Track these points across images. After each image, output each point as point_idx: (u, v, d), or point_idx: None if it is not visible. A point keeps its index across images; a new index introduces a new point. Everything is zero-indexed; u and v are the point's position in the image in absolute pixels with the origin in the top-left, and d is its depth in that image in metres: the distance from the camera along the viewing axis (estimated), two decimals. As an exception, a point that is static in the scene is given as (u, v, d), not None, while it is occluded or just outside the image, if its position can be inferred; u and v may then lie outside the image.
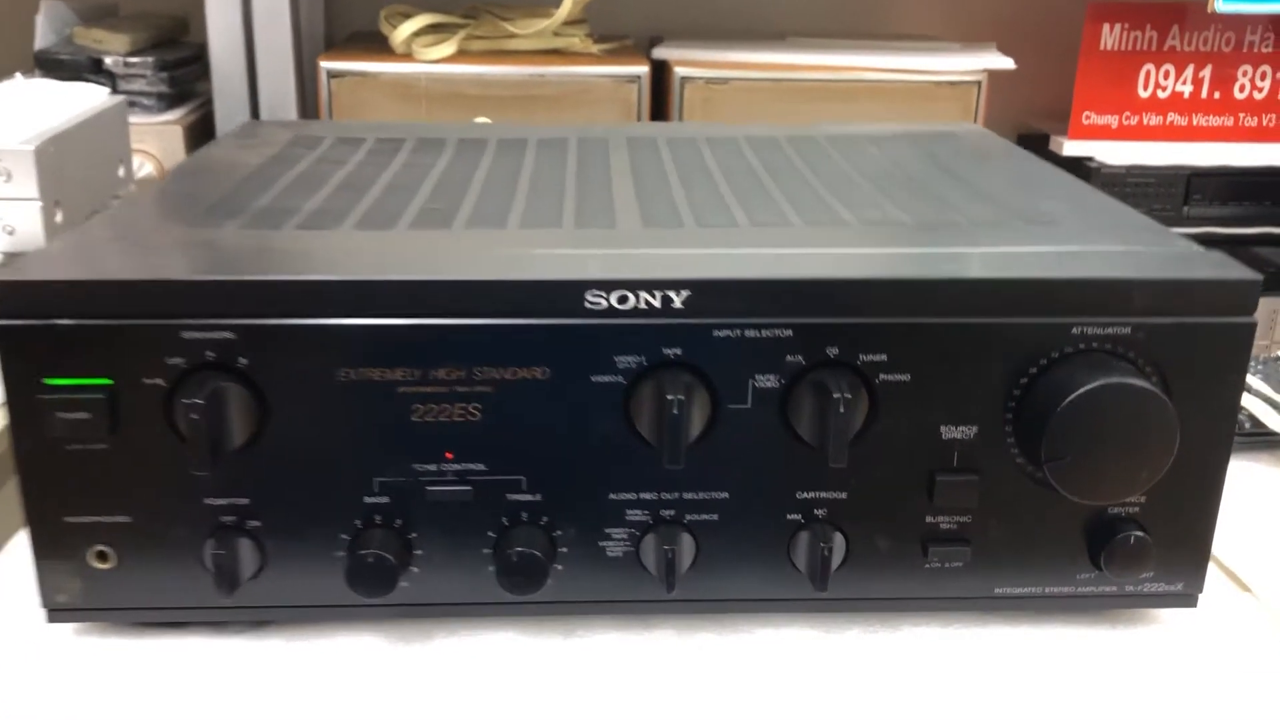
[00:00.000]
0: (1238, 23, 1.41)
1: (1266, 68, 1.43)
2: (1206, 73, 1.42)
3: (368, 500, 0.44)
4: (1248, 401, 0.65)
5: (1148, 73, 1.42)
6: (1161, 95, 1.43)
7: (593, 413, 0.43)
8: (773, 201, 0.53)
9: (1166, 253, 0.45)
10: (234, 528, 0.44)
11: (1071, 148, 1.41)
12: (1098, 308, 0.42)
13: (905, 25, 1.50)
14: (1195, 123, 1.44)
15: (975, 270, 0.43)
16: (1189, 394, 0.43)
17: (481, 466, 0.44)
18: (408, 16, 1.39)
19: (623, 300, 0.42)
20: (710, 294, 0.42)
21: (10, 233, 0.94)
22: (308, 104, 1.43)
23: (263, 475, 0.43)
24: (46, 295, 0.41)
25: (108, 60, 1.38)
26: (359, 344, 0.42)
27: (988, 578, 0.46)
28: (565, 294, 0.41)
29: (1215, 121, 1.44)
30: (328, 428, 0.43)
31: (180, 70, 1.42)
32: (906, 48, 1.39)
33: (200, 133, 1.40)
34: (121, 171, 1.13)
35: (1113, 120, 1.44)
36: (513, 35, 1.41)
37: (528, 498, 0.44)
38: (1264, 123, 1.44)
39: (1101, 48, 1.40)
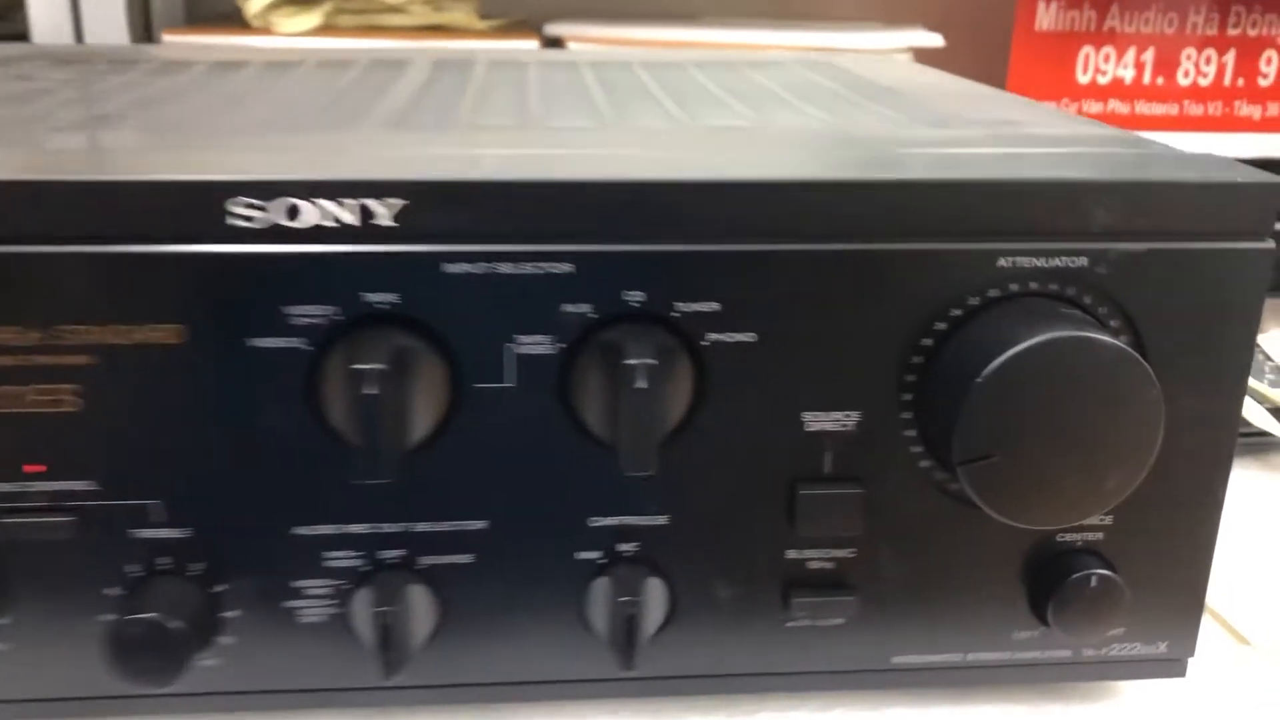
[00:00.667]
0: (1181, 3, 1.29)
1: (1211, 51, 1.32)
2: (1149, 56, 1.31)
3: (-94, 539, 0.28)
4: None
5: (1086, 55, 1.30)
6: (1101, 80, 1.31)
7: (260, 399, 0.27)
8: (591, 106, 0.38)
9: (1139, 153, 0.31)
10: None
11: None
12: (1036, 227, 0.28)
13: (834, 10, 1.38)
14: (1137, 110, 1.32)
15: (852, 171, 0.28)
16: (1175, 360, 0.29)
17: (88, 485, 0.28)
18: (263, -14, 1.23)
19: (293, 214, 0.26)
20: (438, 204, 0.26)
21: None
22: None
23: None
24: None
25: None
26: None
27: (882, 640, 0.31)
28: (198, 204, 0.26)
29: (1159, 109, 1.32)
30: None
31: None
32: (826, 26, 1.27)
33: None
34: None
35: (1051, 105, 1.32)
36: (387, 9, 1.26)
37: (167, 534, 0.28)
38: (1210, 111, 1.33)
39: (1037, 28, 1.28)
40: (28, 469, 0.27)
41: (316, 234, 0.26)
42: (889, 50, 1.23)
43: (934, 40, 1.21)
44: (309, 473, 0.28)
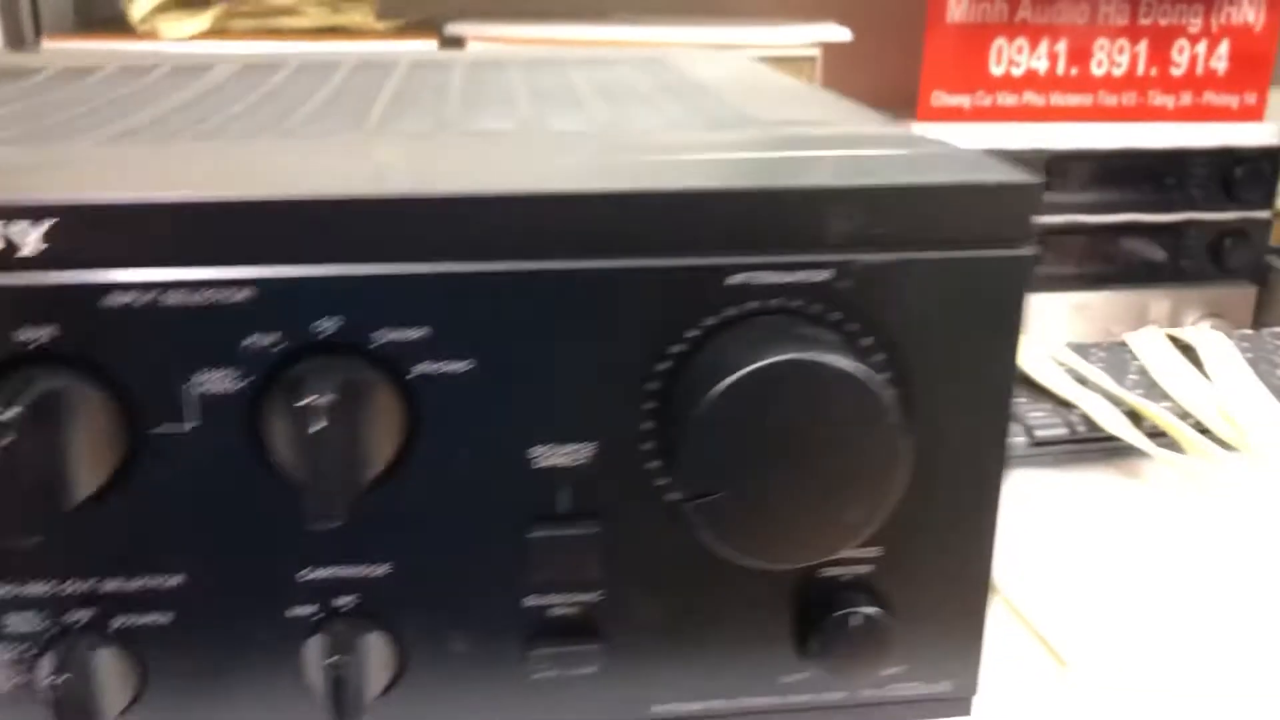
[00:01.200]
0: (1093, -7, 1.29)
1: (1124, 42, 1.31)
2: (1062, 47, 1.29)
3: None
4: (1083, 399, 0.49)
5: (999, 48, 1.29)
6: (1016, 72, 1.30)
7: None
8: (363, 112, 0.35)
9: (902, 154, 0.29)
10: None
11: (920, 132, 1.27)
12: (770, 240, 0.25)
13: (741, 7, 1.36)
14: (1052, 102, 1.31)
15: (589, 181, 0.25)
16: (934, 377, 0.26)
17: None
18: (147, -12, 1.19)
19: (-74, 244, 0.23)
20: (93, 228, 0.23)
21: None
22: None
23: None
24: None
25: None
26: None
27: (639, 689, 0.28)
28: None
29: (1074, 100, 1.31)
30: None
31: None
32: (734, 23, 1.25)
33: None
34: None
35: (964, 101, 1.30)
36: (283, 12, 1.23)
37: None
38: (1123, 101, 1.32)
39: (949, 19, 1.27)
40: None
41: (-42, 264, 0.23)
42: (796, 45, 1.21)
43: (842, 35, 1.19)
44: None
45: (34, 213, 0.23)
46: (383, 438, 0.25)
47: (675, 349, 0.26)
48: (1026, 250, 0.26)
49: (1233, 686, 0.33)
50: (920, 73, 1.28)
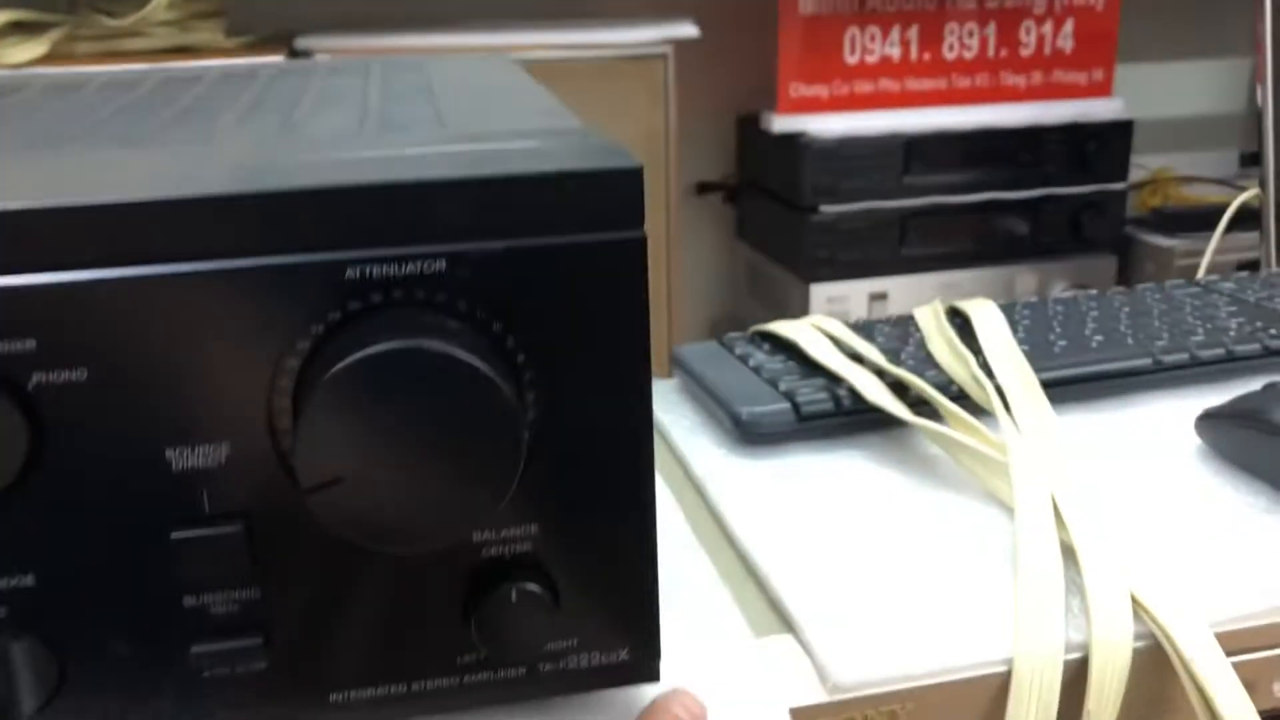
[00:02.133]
0: (940, -22, 1.32)
1: (973, 25, 1.34)
2: (914, 33, 1.32)
3: None
4: (850, 372, 0.50)
5: (853, 37, 1.31)
6: (870, 60, 1.32)
7: None
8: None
9: (515, 146, 0.29)
10: None
11: (781, 124, 1.28)
12: (383, 233, 0.26)
13: (602, 10, 1.37)
14: (908, 87, 1.34)
15: (207, 185, 0.26)
16: (562, 361, 0.27)
17: None
18: (-15, 14, 1.17)
19: None
20: None
21: None
22: None
23: None
24: None
25: None
26: None
27: (313, 679, 0.29)
28: None
29: (928, 85, 1.34)
30: None
31: None
32: (585, 25, 1.26)
33: None
34: None
35: (822, 91, 1.33)
36: (129, 34, 1.21)
37: None
38: (976, 83, 1.36)
39: (800, 12, 1.29)
40: None
41: None
42: (646, 44, 1.22)
43: (690, 31, 1.21)
44: None
45: None
46: (9, 449, 0.25)
47: (301, 345, 0.26)
48: (637, 233, 0.27)
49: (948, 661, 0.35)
50: (777, 66, 1.30)
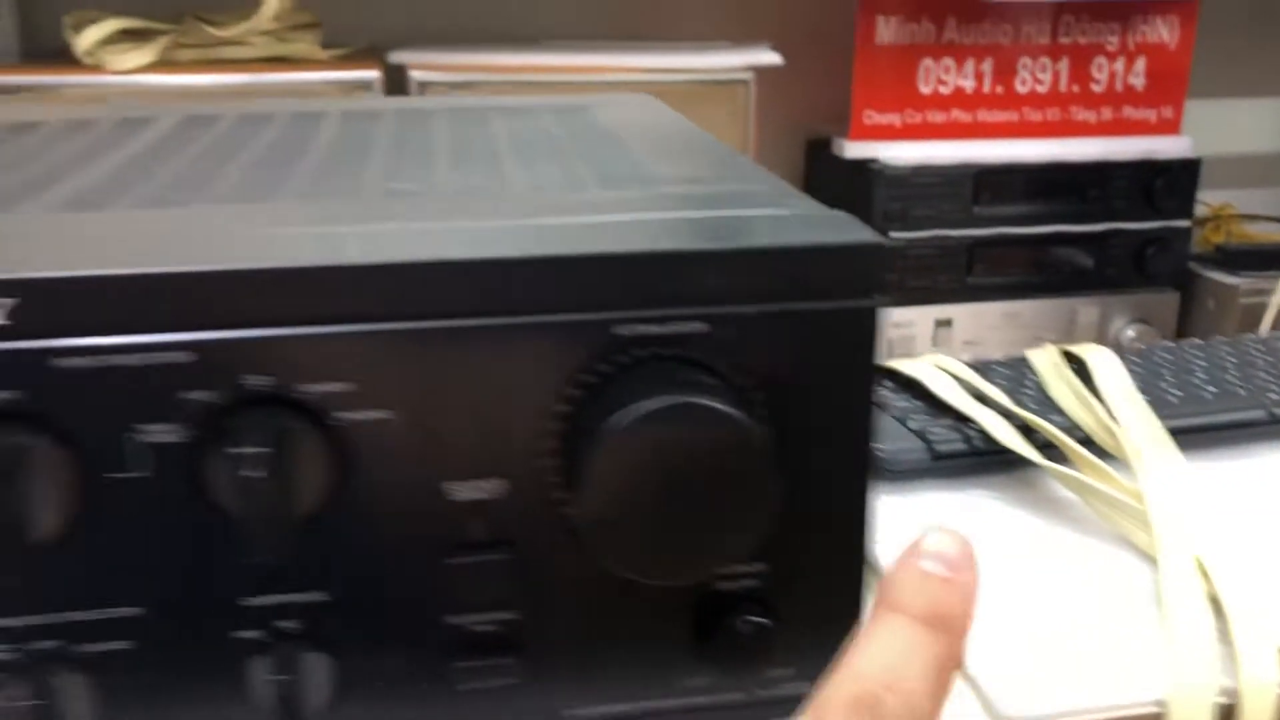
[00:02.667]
0: (1015, 14, 1.34)
1: (1046, 60, 1.36)
2: (988, 66, 1.35)
3: None
4: (978, 413, 0.53)
5: (928, 68, 1.34)
6: (944, 91, 1.35)
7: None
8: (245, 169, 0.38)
9: (757, 214, 0.32)
10: None
11: (853, 149, 1.31)
12: (649, 296, 0.29)
13: (677, 31, 1.40)
14: (980, 119, 1.36)
15: (484, 248, 0.29)
16: (800, 417, 0.30)
17: None
18: (94, 22, 1.21)
19: (-101, 319, 0.26)
20: (51, 301, 0.27)
21: None
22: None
23: None
24: None
25: None
26: None
27: (551, 696, 0.32)
28: None
29: (1000, 117, 1.36)
30: None
31: None
32: (670, 48, 1.28)
33: None
34: None
35: (895, 119, 1.35)
36: (228, 43, 1.25)
37: None
38: (1048, 117, 1.38)
39: (878, 42, 1.32)
40: None
41: (-73, 337, 0.26)
42: (729, 70, 1.25)
43: (773, 59, 1.24)
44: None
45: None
46: (312, 480, 0.28)
47: (572, 393, 0.29)
48: (876, 301, 0.29)
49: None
50: (851, 92, 1.33)
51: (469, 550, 0.30)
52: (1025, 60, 1.37)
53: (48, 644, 0.29)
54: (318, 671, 0.30)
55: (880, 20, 1.32)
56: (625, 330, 0.28)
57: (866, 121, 1.36)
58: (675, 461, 0.27)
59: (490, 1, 1.38)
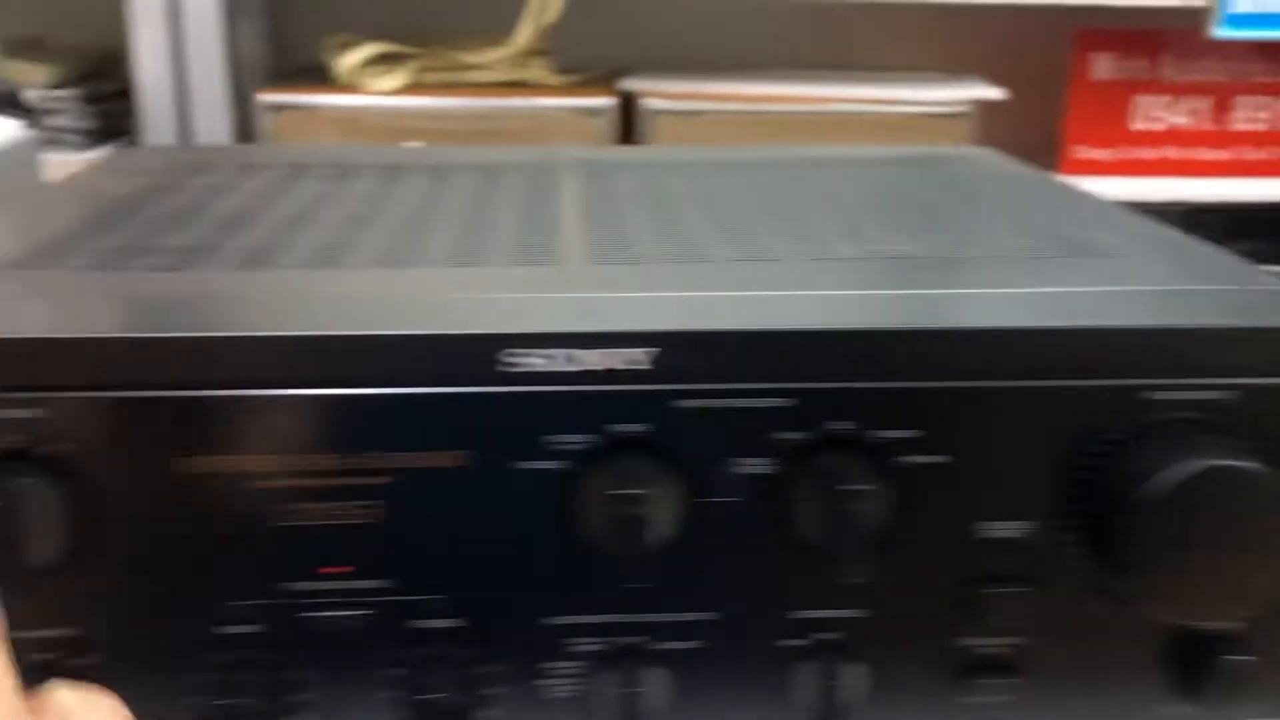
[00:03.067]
0: (1234, 51, 1.33)
1: (1266, 98, 1.36)
2: (1204, 104, 1.35)
3: (228, 631, 0.33)
4: None
5: (1142, 104, 1.34)
6: (1157, 127, 1.35)
7: (524, 511, 0.32)
8: (753, 233, 0.43)
9: (1261, 292, 0.35)
10: (50, 669, 0.33)
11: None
12: (1183, 365, 0.32)
13: (884, 58, 1.43)
14: (1193, 156, 1.36)
15: (1024, 318, 0.33)
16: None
17: (381, 583, 0.33)
18: (354, 45, 1.29)
19: (564, 360, 0.31)
20: (682, 351, 0.31)
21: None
22: (246, 140, 1.33)
23: (86, 601, 0.32)
24: None
25: (28, 94, 1.28)
26: (212, 422, 0.31)
27: (1042, 714, 0.35)
28: (477, 354, 0.31)
29: (1214, 155, 1.36)
30: (172, 535, 0.32)
31: (107, 104, 1.31)
32: (890, 79, 1.31)
33: (127, 171, 1.29)
34: (31, 214, 1.03)
35: (1106, 154, 1.36)
36: (470, 67, 1.32)
37: (443, 623, 0.33)
38: (1267, 156, 1.37)
39: (1092, 78, 1.33)
40: (333, 570, 0.33)
41: (576, 377, 0.31)
42: (951, 102, 1.28)
43: (995, 93, 1.26)
44: (560, 574, 0.33)
45: (635, 339, 0.31)
46: (873, 515, 0.32)
47: (1100, 449, 0.33)
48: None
49: None
50: (1062, 126, 1.34)
51: (993, 582, 0.34)
52: (1244, 98, 1.36)
53: (628, 641, 0.34)
54: (855, 679, 0.34)
55: (1096, 57, 1.33)
56: (1152, 396, 0.32)
57: (1077, 156, 1.36)
58: (1213, 520, 0.31)
59: (711, 31, 1.43)
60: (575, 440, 0.32)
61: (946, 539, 0.33)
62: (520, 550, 0.33)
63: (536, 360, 0.31)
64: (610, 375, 0.31)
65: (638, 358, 0.31)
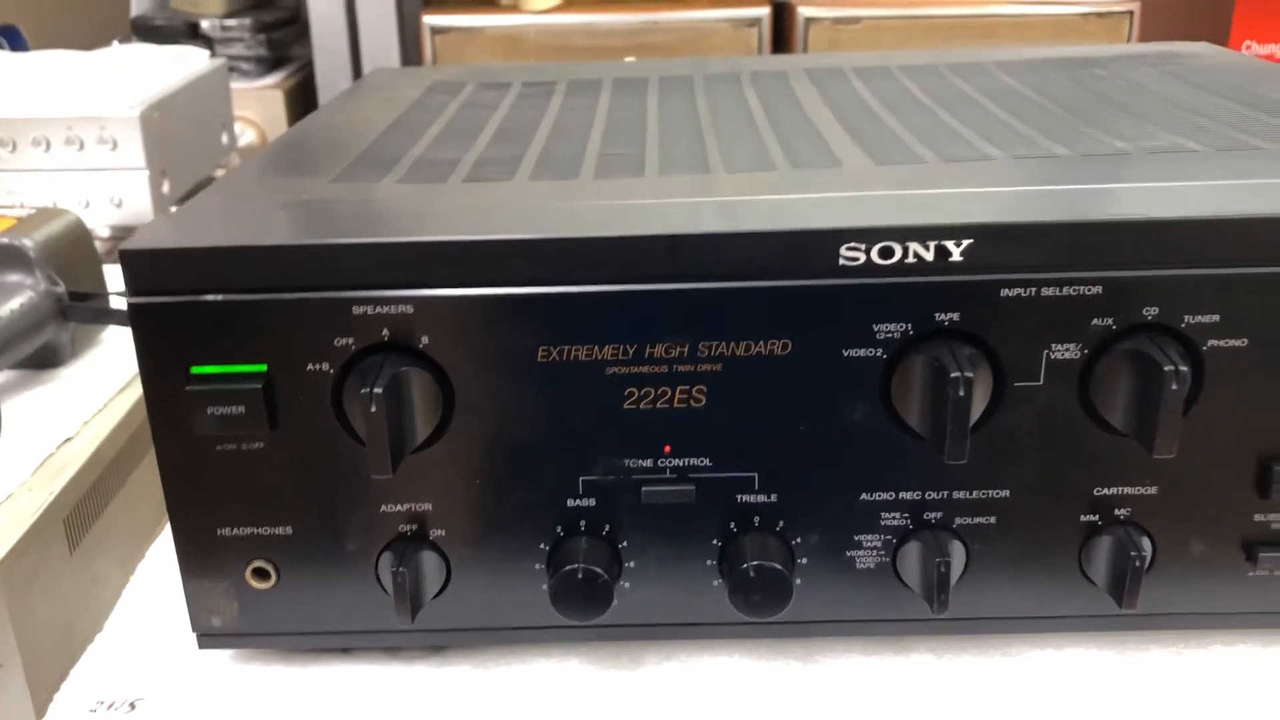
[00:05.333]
0: None
1: None
2: (1386, -7, 1.28)
3: (571, 504, 0.36)
4: None
5: (1318, -6, 1.29)
6: (1332, 19, 1.30)
7: (845, 395, 0.35)
8: (1026, 135, 0.44)
9: None
10: (415, 538, 0.37)
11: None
12: None
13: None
14: (1372, 49, 1.30)
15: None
16: None
17: (706, 461, 0.36)
18: (513, -36, 1.31)
19: (887, 254, 0.33)
20: (999, 242, 0.33)
21: (118, 205, 0.89)
22: (411, 63, 1.36)
23: (448, 477, 0.36)
24: (191, 266, 0.34)
25: (204, 24, 1.33)
26: (559, 316, 0.34)
27: (1329, 587, 0.37)
28: (817, 248, 0.33)
29: (1395, 46, 1.30)
30: (524, 418, 0.36)
31: (278, 32, 1.36)
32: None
33: (301, 98, 1.34)
34: (225, 138, 1.08)
35: (1278, 49, 1.31)
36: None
37: (761, 499, 0.36)
38: None
39: (1265, -31, 1.28)
40: (665, 449, 0.36)
41: (899, 268, 0.34)
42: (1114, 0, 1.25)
43: (1166, -10, 1.22)
44: (878, 454, 0.36)
45: (955, 232, 0.33)
46: (1182, 397, 0.34)
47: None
48: None
49: None
50: (1230, 23, 1.29)
51: (1287, 460, 0.35)
52: None
53: (934, 516, 0.37)
54: (1147, 554, 0.36)
55: (1270, -54, 1.27)
56: None
57: (1246, 52, 1.32)
58: None
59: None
60: (896, 328, 0.34)
61: (1242, 419, 0.35)
62: (837, 434, 0.35)
63: (867, 253, 0.33)
64: (930, 266, 0.33)
65: (956, 251, 0.33)
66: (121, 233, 0.90)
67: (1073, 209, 0.34)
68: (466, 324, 0.34)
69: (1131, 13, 1.26)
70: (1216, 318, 0.34)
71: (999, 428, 0.35)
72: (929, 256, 0.33)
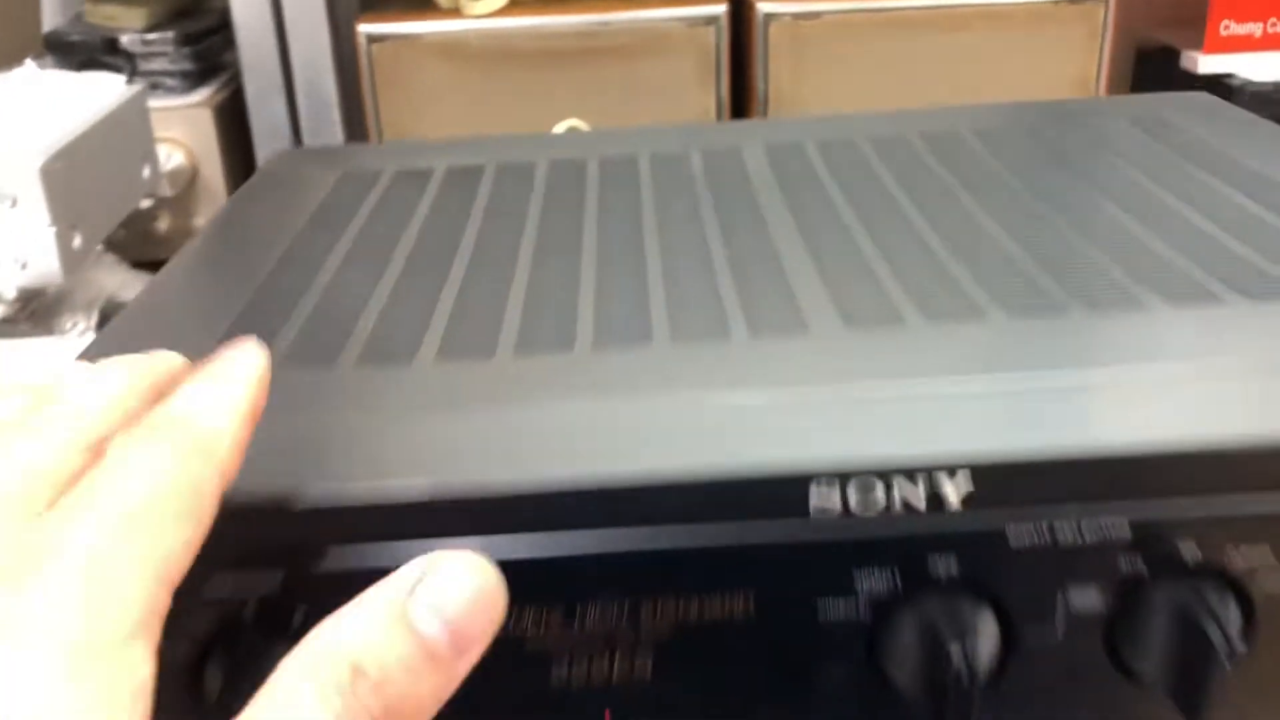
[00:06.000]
0: (1407, -97, 1.21)
1: None
2: (1366, -31, 1.23)
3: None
4: None
5: (1296, -32, 1.23)
6: (1311, -4, 1.24)
7: (828, 657, 0.29)
8: (999, 248, 0.38)
9: None
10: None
11: (1207, 64, 1.22)
12: None
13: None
14: (1349, 28, 1.25)
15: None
16: None
17: (667, 721, 0.30)
18: (451, -34, 1.23)
19: (868, 497, 0.27)
20: (1007, 479, 0.27)
21: (23, 266, 0.82)
22: (346, 74, 1.28)
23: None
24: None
25: (123, 39, 1.24)
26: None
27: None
28: (785, 494, 0.27)
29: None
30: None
31: (203, 43, 1.27)
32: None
33: (231, 114, 1.26)
34: (146, 172, 1.00)
35: (1256, 28, 1.25)
36: (565, -20, 1.26)
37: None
38: None
39: (1241, -56, 1.22)
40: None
41: (880, 516, 0.28)
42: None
43: (1140, -26, 1.16)
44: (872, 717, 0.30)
45: (950, 467, 0.27)
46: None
47: None
48: None
49: None
50: (1208, 2, 1.23)
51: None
52: None
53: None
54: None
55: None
56: None
57: (1224, 32, 1.26)
58: None
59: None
60: (881, 582, 0.28)
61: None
62: (827, 695, 0.30)
63: (843, 496, 0.27)
64: (918, 512, 0.28)
65: (952, 491, 0.27)
66: (28, 295, 0.83)
67: (1091, 432, 0.28)
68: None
69: (1106, 1, 1.20)
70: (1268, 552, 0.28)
71: (1012, 689, 0.30)
72: (920, 504, 0.27)
